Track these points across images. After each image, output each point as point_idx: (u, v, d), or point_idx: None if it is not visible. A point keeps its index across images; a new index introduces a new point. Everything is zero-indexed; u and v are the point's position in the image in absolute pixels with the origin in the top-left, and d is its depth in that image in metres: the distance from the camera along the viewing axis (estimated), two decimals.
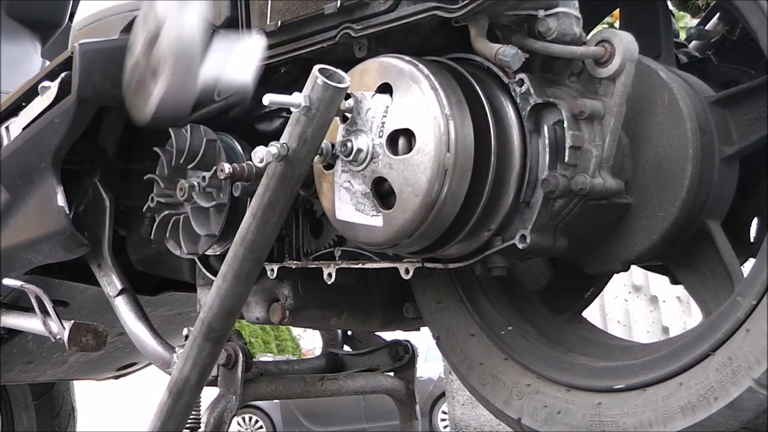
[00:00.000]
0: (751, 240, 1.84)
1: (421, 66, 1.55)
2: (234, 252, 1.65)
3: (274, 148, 1.53)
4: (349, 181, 1.60)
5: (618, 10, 1.89)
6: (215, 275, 2.01)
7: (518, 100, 1.54)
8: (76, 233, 2.09)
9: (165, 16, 1.61)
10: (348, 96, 1.59)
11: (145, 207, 1.95)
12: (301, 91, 1.89)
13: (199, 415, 2.07)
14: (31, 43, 3.13)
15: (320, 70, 1.51)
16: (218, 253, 1.96)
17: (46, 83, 2.12)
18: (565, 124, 1.50)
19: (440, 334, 1.85)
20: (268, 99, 1.52)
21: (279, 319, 1.96)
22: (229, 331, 1.78)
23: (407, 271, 1.71)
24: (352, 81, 1.57)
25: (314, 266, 1.85)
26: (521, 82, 1.53)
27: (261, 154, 1.54)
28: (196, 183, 1.87)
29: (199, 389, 1.80)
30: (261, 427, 12.73)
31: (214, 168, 1.80)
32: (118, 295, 2.14)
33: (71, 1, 3.19)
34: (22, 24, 3.11)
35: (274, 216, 1.61)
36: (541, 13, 1.51)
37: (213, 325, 1.71)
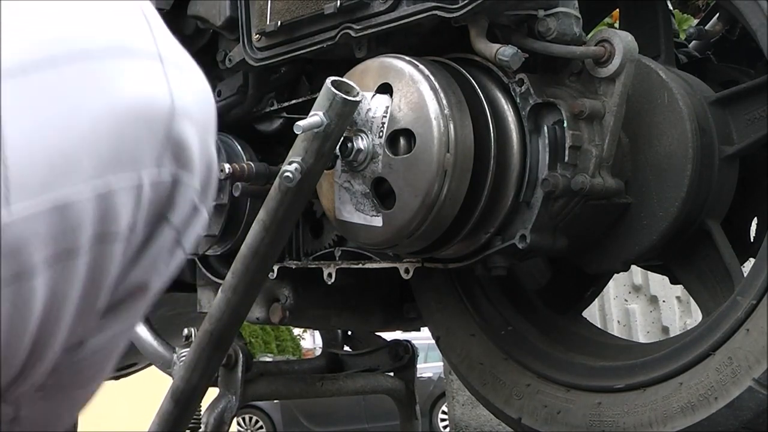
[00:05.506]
0: (751, 240, 1.84)
1: (421, 66, 1.54)
2: (245, 266, 1.63)
3: (296, 164, 1.50)
4: (349, 181, 1.60)
5: (618, 10, 1.89)
6: (215, 275, 2.01)
7: (518, 100, 1.54)
8: None
9: None
10: None
11: None
12: (300, 90, 1.91)
13: (199, 415, 2.07)
14: None
15: (333, 84, 1.49)
16: (218, 253, 1.95)
17: None
18: (565, 124, 1.50)
19: (440, 334, 1.84)
20: (299, 128, 1.50)
21: (279, 319, 1.95)
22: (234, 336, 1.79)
23: (407, 271, 1.71)
24: (352, 81, 1.56)
25: (314, 266, 1.84)
26: (521, 82, 1.53)
27: (290, 174, 1.49)
28: None
29: (203, 395, 1.81)
30: (261, 427, 12.71)
31: None
32: None
33: None
34: None
35: (288, 228, 1.61)
36: (541, 13, 1.51)
37: (223, 335, 1.71)
